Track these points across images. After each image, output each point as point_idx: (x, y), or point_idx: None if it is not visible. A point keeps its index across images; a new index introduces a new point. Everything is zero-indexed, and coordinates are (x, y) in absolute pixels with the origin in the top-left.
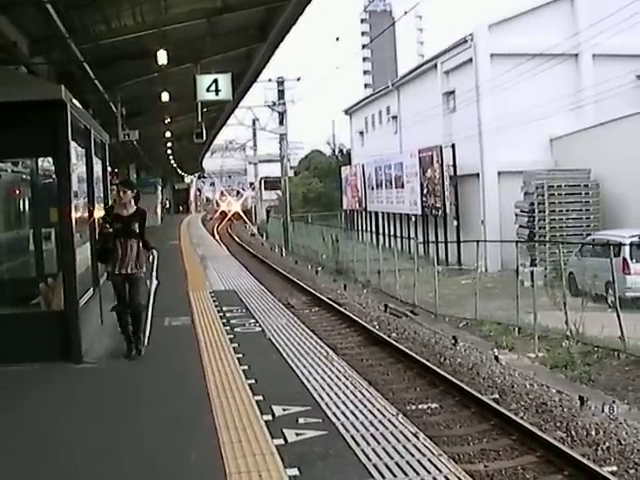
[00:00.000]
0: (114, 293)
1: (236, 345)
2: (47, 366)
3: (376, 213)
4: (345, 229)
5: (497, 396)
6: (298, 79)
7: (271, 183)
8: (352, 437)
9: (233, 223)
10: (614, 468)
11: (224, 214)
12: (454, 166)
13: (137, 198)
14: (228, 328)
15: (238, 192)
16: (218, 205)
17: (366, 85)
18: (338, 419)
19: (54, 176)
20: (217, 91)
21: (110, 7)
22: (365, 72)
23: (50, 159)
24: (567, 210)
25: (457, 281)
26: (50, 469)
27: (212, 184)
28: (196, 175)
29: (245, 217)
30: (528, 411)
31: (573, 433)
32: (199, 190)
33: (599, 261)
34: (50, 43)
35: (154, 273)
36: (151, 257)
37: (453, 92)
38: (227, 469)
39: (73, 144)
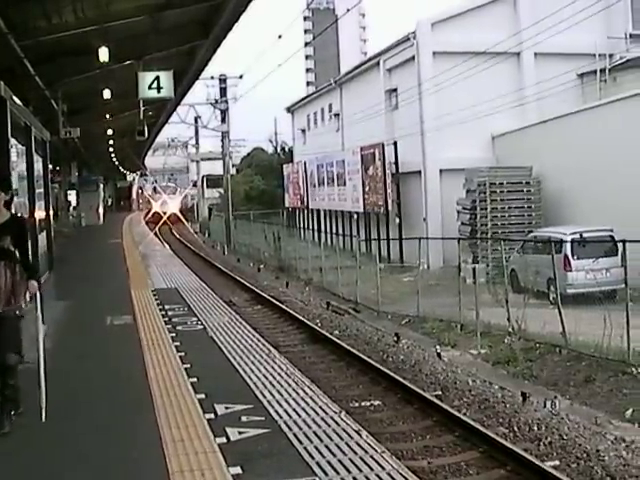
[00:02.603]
0: None
1: (178, 344)
2: None
3: (318, 211)
4: (287, 227)
5: (440, 393)
6: (240, 77)
7: (213, 181)
8: (295, 435)
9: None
10: (556, 462)
11: (158, 217)
12: (396, 164)
13: (9, 202)
14: (170, 327)
15: (175, 190)
16: (150, 204)
17: (309, 83)
18: (281, 417)
19: None
20: (159, 88)
21: (50, 2)
22: (308, 70)
23: None
24: (509, 207)
25: (399, 278)
26: None
27: (153, 182)
28: (138, 173)
29: (185, 219)
30: (471, 407)
31: (515, 429)
32: (141, 188)
33: (541, 258)
34: None
35: (39, 313)
36: (31, 289)
37: (395, 90)
38: (169, 467)
39: (13, 141)
